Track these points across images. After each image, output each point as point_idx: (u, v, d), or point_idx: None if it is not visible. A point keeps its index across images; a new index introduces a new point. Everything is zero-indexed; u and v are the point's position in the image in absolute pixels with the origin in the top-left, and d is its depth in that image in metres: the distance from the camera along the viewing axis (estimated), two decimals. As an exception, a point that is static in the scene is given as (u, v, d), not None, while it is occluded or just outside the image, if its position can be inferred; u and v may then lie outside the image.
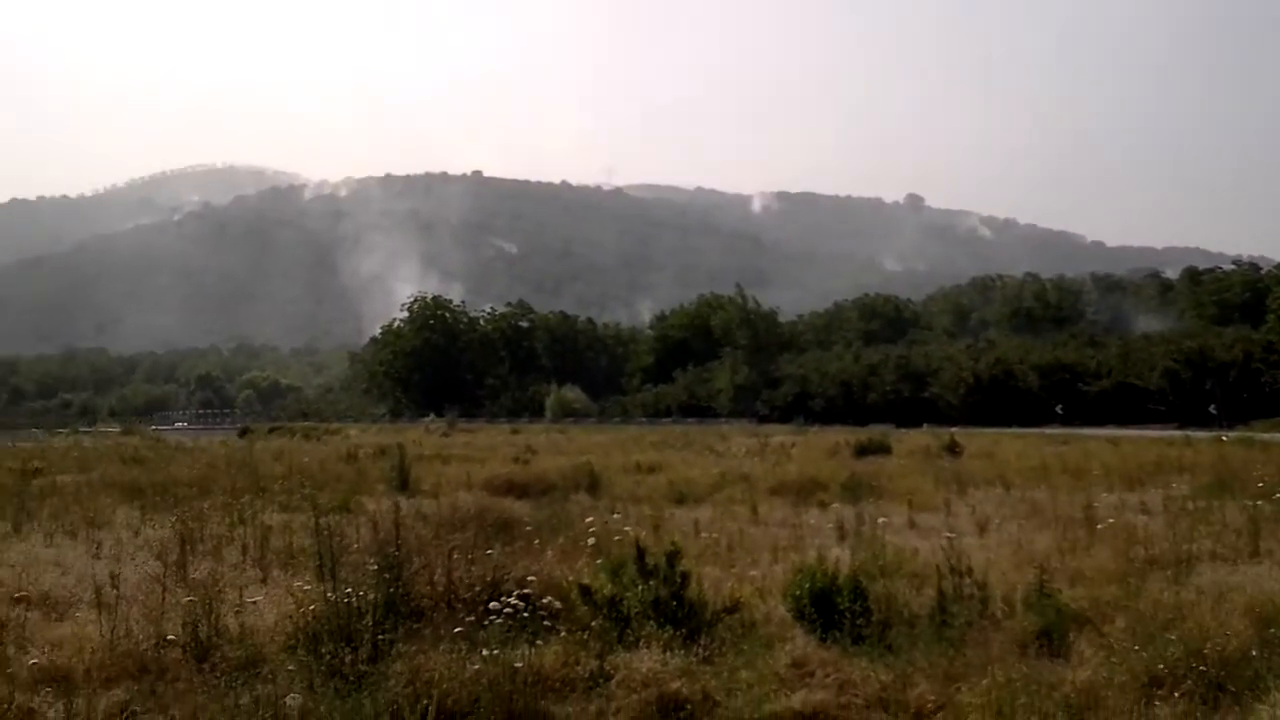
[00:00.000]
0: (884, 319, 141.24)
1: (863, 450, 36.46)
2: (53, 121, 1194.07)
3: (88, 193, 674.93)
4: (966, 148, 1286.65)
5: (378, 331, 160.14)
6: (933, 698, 7.43)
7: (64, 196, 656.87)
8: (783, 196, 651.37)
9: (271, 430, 72.91)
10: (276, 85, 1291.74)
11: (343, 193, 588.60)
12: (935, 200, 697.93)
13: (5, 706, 7.11)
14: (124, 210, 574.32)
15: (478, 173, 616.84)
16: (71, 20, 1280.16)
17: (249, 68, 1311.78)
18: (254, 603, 9.74)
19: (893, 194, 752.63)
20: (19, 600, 10.66)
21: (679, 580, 9.22)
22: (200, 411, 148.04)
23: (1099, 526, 14.51)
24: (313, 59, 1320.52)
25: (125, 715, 7.10)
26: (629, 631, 8.78)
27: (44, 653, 8.54)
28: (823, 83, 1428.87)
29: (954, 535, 11.36)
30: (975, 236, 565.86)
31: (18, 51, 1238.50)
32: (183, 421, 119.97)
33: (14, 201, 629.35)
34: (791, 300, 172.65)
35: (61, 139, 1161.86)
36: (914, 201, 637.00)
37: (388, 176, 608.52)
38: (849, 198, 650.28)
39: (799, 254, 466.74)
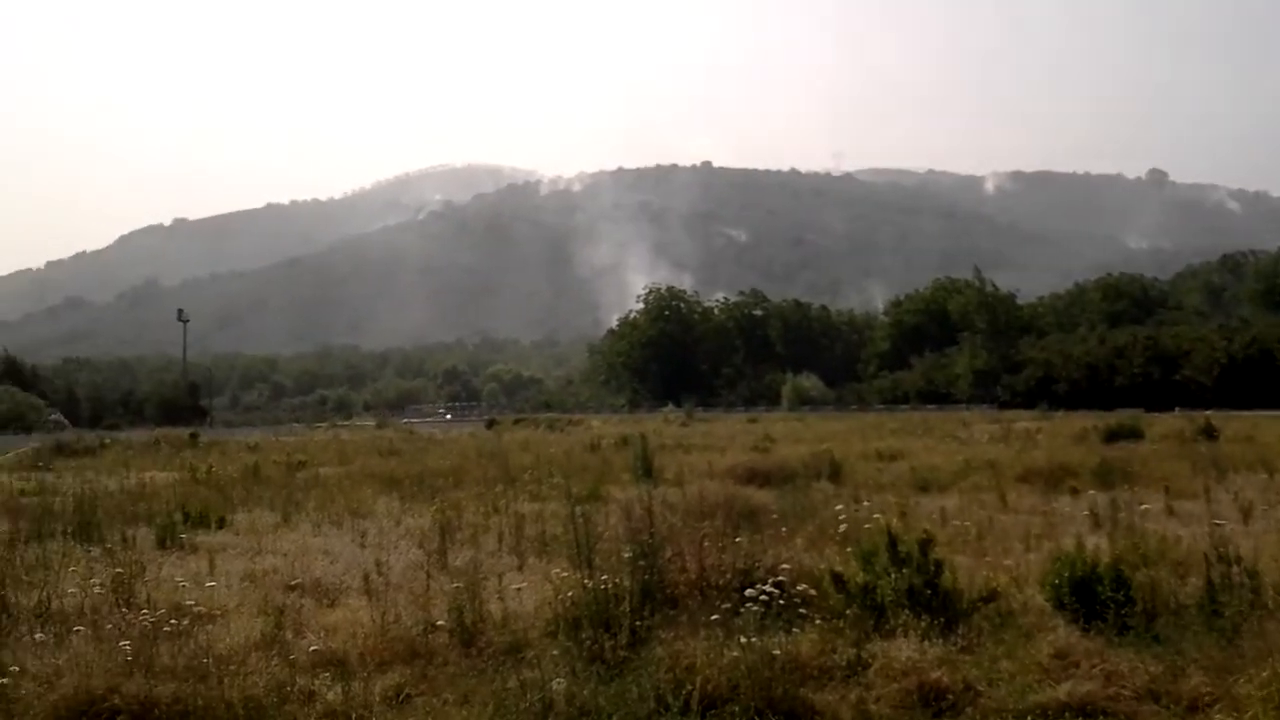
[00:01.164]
0: (1129, 299, 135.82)
1: (1112, 435, 35.23)
2: (305, 129, 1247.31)
3: (337, 196, 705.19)
4: (1212, 118, 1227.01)
5: (614, 323, 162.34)
6: (1207, 690, 7.17)
7: (315, 200, 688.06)
8: (1017, 176, 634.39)
9: (516, 422, 74.59)
10: (512, 85, 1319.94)
11: (576, 187, 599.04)
12: (1179, 175, 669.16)
13: (287, 689, 7.46)
14: (372, 211, 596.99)
15: (707, 163, 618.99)
16: (321, 34, 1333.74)
17: (485, 70, 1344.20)
18: (518, 589, 10.01)
19: (1134, 170, 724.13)
20: (293, 588, 11.22)
21: (933, 568, 9.12)
22: (448, 404, 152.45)
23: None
24: (545, 58, 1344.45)
25: (400, 698, 7.38)
26: (884, 620, 8.74)
27: (319, 637, 8.91)
28: (1056, 59, 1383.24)
29: (1221, 523, 10.92)
30: (1223, 211, 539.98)
31: (277, 69, 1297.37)
32: (446, 413, 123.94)
33: (270, 207, 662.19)
34: (1029, 282, 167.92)
35: (313, 146, 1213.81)
36: (1156, 177, 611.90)
37: (619, 170, 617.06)
38: (1086, 175, 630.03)
39: (1035, 234, 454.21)
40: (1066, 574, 9.31)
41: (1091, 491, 17.82)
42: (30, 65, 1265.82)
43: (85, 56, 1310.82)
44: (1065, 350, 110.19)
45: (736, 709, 6.93)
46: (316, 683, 7.68)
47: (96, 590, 10.27)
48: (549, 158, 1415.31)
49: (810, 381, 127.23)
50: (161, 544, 14.57)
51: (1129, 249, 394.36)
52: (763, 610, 8.29)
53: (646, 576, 9.22)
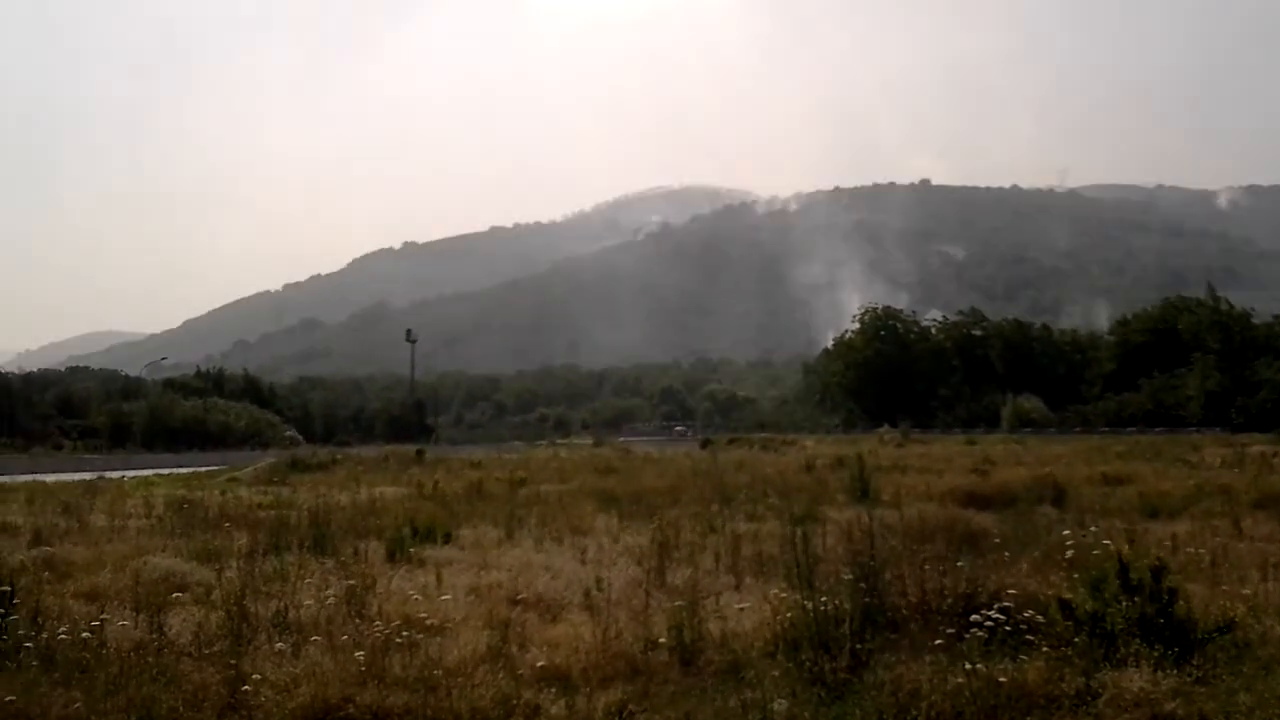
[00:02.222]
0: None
1: (1356, 461, 33.47)
2: (527, 155, 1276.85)
3: (558, 218, 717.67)
4: None
5: (829, 343, 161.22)
6: None
7: (537, 223, 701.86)
8: (1253, 190, 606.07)
9: (731, 441, 74.64)
10: (729, 107, 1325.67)
11: (792, 207, 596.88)
12: None
13: (512, 702, 7.63)
14: (591, 233, 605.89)
15: (925, 181, 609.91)
16: (543, 61, 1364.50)
17: (702, 92, 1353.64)
18: (741, 609, 10.04)
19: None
20: (516, 602, 11.47)
21: (1166, 596, 8.82)
22: (663, 423, 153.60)
23: None
24: (762, 80, 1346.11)
25: (622, 715, 7.47)
26: (1114, 649, 8.47)
27: (543, 652, 9.08)
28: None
29: None
30: None
31: (501, 98, 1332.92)
32: (682, 426, 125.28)
33: (493, 230, 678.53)
34: (1267, 300, 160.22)
35: (535, 171, 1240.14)
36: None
37: (836, 189, 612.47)
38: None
39: (1272, 251, 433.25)
40: (1310, 605, 8.91)
41: (1337, 519, 16.98)
42: (263, 96, 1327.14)
43: (323, 95, 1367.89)
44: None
45: (962, 736, 6.82)
46: (541, 697, 7.81)
47: (331, 601, 10.66)
48: (765, 178, 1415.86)
49: (1031, 403, 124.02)
50: (391, 557, 15.03)
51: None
52: (987, 637, 8.15)
53: (867, 599, 9.15)
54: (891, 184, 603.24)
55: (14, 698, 7.18)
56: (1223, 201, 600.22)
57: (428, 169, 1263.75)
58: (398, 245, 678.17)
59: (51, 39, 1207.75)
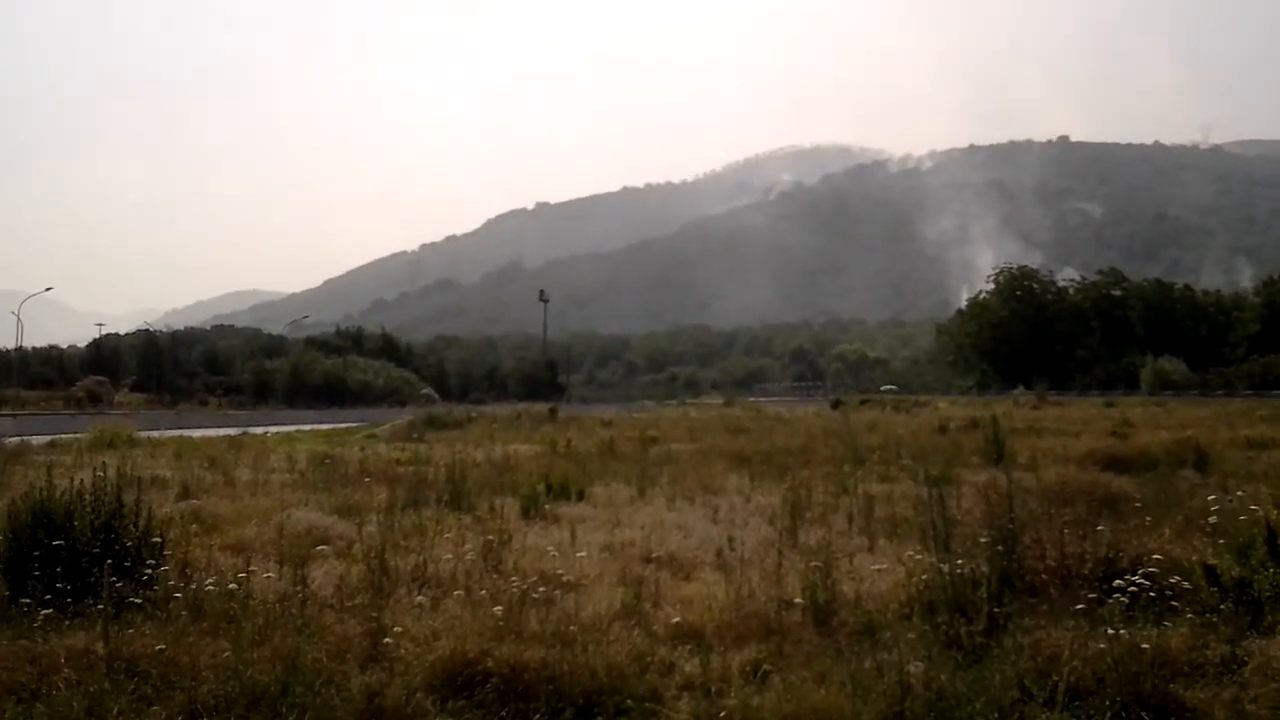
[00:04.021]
0: None
1: None
2: (661, 115, 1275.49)
3: (689, 179, 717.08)
4: None
5: (963, 303, 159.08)
6: None
7: (669, 183, 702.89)
8: None
9: (862, 402, 74.14)
10: (862, 64, 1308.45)
11: (926, 165, 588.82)
12: None
13: (647, 659, 7.67)
14: (722, 193, 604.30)
15: (1064, 138, 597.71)
16: (675, 22, 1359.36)
17: (835, 50, 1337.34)
18: (878, 570, 9.98)
19: None
20: (650, 560, 11.53)
21: (1316, 564, 8.58)
22: (794, 384, 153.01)
23: None
24: (895, 36, 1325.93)
25: (757, 674, 7.47)
26: (1261, 617, 8.26)
27: (676, 610, 9.08)
28: None
29: None
30: None
31: (636, 61, 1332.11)
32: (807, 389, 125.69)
33: (625, 190, 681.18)
34: None
35: (667, 131, 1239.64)
36: None
37: (971, 147, 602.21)
38: None
39: None
40: None
41: None
42: (405, 67, 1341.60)
43: (455, 53, 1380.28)
44: None
45: (1104, 702, 6.70)
46: (675, 654, 7.83)
47: (468, 557, 10.81)
48: (898, 137, 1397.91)
49: (1172, 365, 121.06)
50: (525, 514, 15.19)
51: None
52: (1129, 602, 8.00)
53: (1005, 562, 9.02)
54: (1029, 141, 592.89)
55: (164, 646, 7.41)
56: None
57: (561, 129, 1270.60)
58: (531, 205, 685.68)
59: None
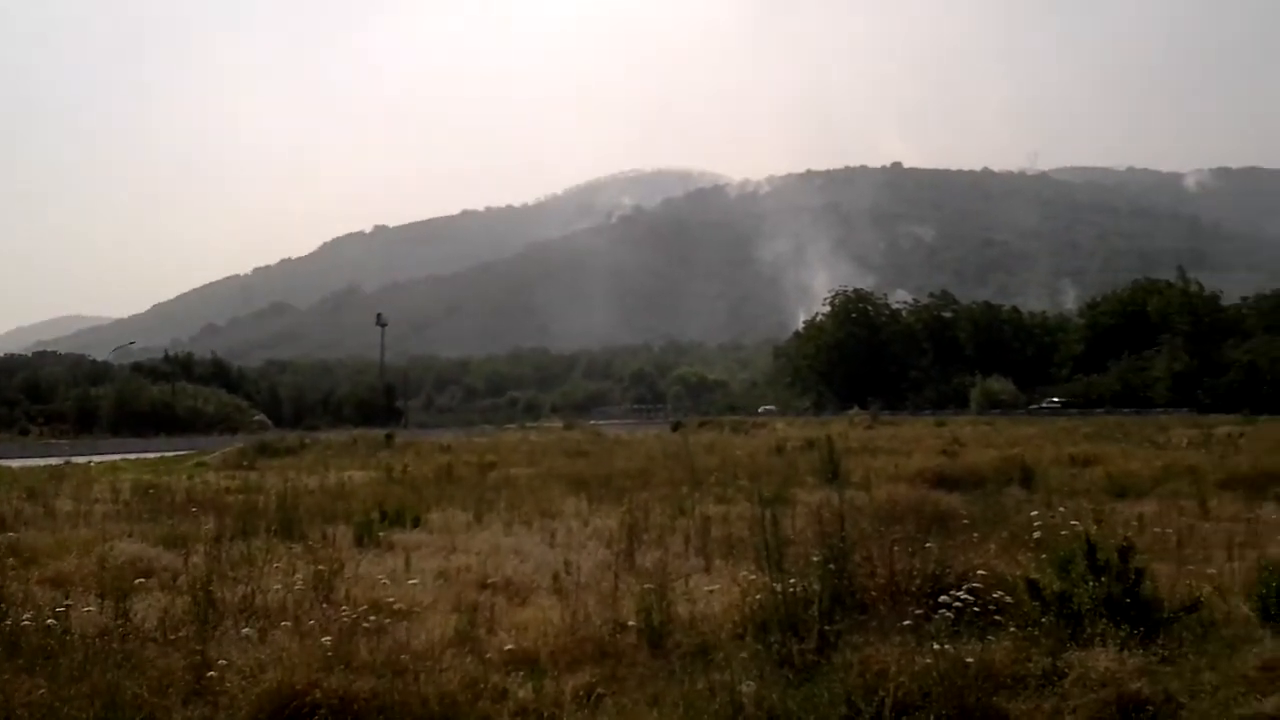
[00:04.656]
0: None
1: (1322, 441, 33.75)
2: (499, 139, 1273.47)
3: (530, 202, 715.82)
4: None
5: (800, 325, 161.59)
6: None
7: (509, 206, 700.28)
8: (1222, 173, 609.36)
9: (701, 424, 74.77)
10: (702, 90, 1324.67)
11: (764, 190, 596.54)
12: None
13: (480, 685, 7.60)
14: (563, 217, 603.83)
15: (897, 164, 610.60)
16: (514, 45, 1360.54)
17: (676, 76, 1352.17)
18: (710, 591, 10.04)
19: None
20: (485, 586, 11.46)
21: (1133, 576, 8.87)
22: (635, 407, 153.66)
23: None
24: (735, 63, 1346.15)
25: (590, 698, 7.45)
26: (1081, 629, 8.51)
27: (511, 636, 9.05)
28: (1265, 49, 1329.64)
29: None
30: None
31: (473, 81, 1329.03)
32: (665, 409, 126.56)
33: (465, 213, 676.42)
34: (1234, 283, 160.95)
35: (507, 154, 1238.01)
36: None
37: (808, 172, 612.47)
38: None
39: (1242, 234, 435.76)
40: (1275, 584, 8.98)
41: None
42: (236, 83, 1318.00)
43: (289, 74, 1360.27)
44: (1272, 353, 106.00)
45: (929, 716, 6.84)
46: (509, 680, 7.81)
47: (298, 586, 10.61)
48: (737, 162, 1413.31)
49: (1000, 384, 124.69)
50: (359, 541, 15.00)
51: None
52: (955, 617, 8.17)
53: (836, 580, 9.15)
54: (863, 167, 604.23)
55: (-24, 685, 7.12)
56: (1191, 184, 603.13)
57: (398, 152, 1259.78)
58: (368, 229, 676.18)
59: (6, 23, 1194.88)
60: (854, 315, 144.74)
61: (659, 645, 8.66)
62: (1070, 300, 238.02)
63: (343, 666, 7.59)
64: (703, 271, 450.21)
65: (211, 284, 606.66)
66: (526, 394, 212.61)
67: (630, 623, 9.00)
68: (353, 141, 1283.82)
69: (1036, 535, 10.91)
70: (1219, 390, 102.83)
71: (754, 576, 9.80)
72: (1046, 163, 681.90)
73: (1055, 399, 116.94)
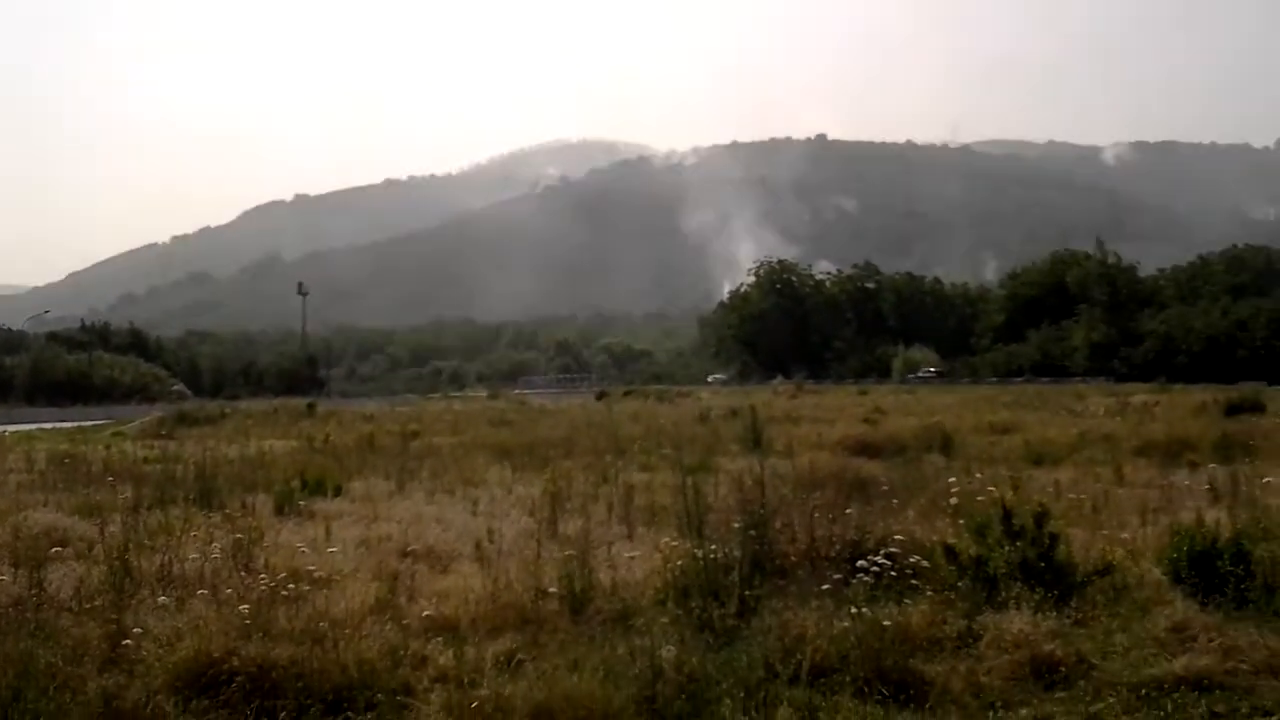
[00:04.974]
0: (1254, 272, 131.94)
1: (1233, 408, 34.40)
2: (423, 107, 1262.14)
3: (454, 171, 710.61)
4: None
5: (725, 296, 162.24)
6: (1329, 666, 7.01)
7: (432, 176, 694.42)
8: (1139, 147, 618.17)
9: (626, 393, 74.79)
10: (628, 60, 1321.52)
11: (690, 161, 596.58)
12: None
13: (400, 653, 7.57)
14: (487, 186, 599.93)
15: (821, 136, 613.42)
16: (441, 11, 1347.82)
17: (602, 45, 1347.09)
18: (630, 558, 10.05)
19: (1261, 139, 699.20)
20: (407, 554, 11.40)
21: (1047, 541, 9.01)
22: (560, 377, 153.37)
23: None
24: (661, 34, 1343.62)
25: (511, 663, 7.44)
26: (996, 593, 8.64)
27: (432, 603, 9.00)
28: (1182, 27, 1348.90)
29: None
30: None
31: (396, 46, 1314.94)
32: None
33: (388, 182, 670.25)
34: (1150, 255, 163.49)
35: (431, 123, 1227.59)
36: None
37: (733, 144, 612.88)
38: (1213, 145, 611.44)
39: (1158, 206, 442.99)
40: (1185, 547, 9.15)
41: (1211, 465, 17.43)
42: (154, 47, 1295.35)
43: (211, 40, 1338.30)
44: (1186, 323, 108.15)
45: (846, 679, 6.91)
46: (429, 647, 7.78)
47: (216, 555, 10.49)
48: (663, 133, 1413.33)
49: (922, 354, 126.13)
50: (279, 511, 14.86)
51: (1254, 220, 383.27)
52: (873, 582, 8.26)
53: (756, 546, 9.21)
54: (788, 138, 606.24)
55: (-116, 657, 6.98)
56: (1110, 157, 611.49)
57: (319, 120, 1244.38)
58: (289, 197, 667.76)
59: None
60: (778, 286, 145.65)
61: (580, 612, 8.67)
62: (991, 271, 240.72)
63: (261, 635, 7.52)
64: (628, 242, 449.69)
65: (129, 253, 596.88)
66: (451, 364, 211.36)
67: (552, 589, 9.00)
68: (273, 109, 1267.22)
69: (954, 501, 11.05)
70: (1135, 359, 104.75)
71: (676, 543, 9.83)
72: (968, 135, 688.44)
73: (931, 369, 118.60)
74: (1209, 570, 8.84)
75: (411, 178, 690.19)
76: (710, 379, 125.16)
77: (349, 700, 6.77)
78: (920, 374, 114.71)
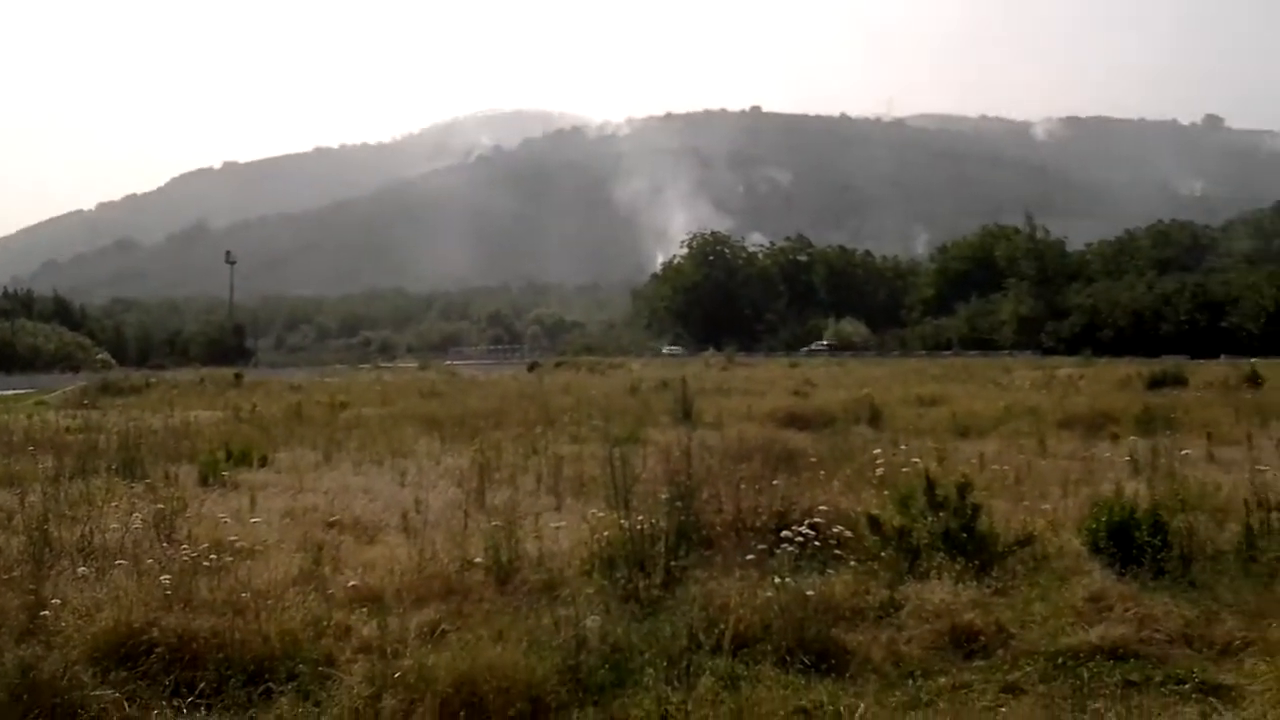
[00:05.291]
0: (1179, 247, 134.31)
1: (1156, 382, 35.04)
2: (355, 73, 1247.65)
3: (386, 140, 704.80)
4: (1269, 61, 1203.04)
5: (658, 268, 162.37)
6: (1240, 634, 7.17)
7: (364, 144, 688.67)
8: (1070, 122, 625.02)
9: (558, 365, 74.74)
10: (562, 30, 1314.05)
11: (624, 132, 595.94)
12: (1236, 120, 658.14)
13: (324, 623, 7.53)
14: (420, 156, 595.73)
15: (756, 108, 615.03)
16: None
17: (536, 15, 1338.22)
18: (556, 529, 10.05)
19: (1189, 115, 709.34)
20: (332, 525, 11.32)
21: (969, 512, 9.12)
22: (491, 348, 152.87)
23: None
24: (596, 3, 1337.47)
25: (435, 634, 7.43)
26: (919, 563, 8.74)
27: (357, 574, 8.96)
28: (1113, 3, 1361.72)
29: (1262, 469, 10.83)
30: (1278, 158, 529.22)
31: (328, 11, 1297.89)
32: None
33: (318, 150, 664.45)
34: (1079, 229, 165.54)
35: (362, 90, 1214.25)
36: (1212, 122, 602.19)
37: (668, 115, 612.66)
38: (1141, 121, 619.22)
39: (1087, 181, 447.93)
40: (1104, 519, 9.30)
41: (1132, 438, 17.71)
42: (80, 10, 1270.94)
43: (139, 2, 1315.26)
44: (1112, 297, 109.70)
45: (768, 648, 6.97)
46: (353, 618, 7.75)
47: (138, 526, 10.36)
48: (597, 103, 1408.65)
49: (853, 327, 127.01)
50: (204, 481, 14.71)
51: (1181, 196, 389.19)
52: (798, 552, 8.31)
53: (683, 518, 9.24)
54: (722, 110, 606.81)
55: None
56: (1040, 133, 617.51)
57: (249, 86, 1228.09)
58: (218, 164, 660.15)
59: None
60: (711, 258, 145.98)
61: (506, 582, 8.67)
62: (922, 245, 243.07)
63: (182, 605, 7.46)
64: (562, 213, 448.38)
65: (53, 219, 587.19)
66: (381, 334, 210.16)
67: (478, 560, 8.98)
68: (201, 75, 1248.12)
69: (880, 473, 11.15)
70: (1062, 333, 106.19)
71: (603, 514, 9.84)
72: (902, 110, 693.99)
73: (824, 342, 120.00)
74: (1127, 541, 8.99)
75: (343, 146, 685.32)
76: (665, 350, 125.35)
77: (270, 671, 6.74)
78: (813, 347, 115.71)
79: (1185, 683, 6.62)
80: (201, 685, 6.56)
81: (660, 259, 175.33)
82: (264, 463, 17.15)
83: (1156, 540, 8.88)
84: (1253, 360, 47.85)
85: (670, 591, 8.05)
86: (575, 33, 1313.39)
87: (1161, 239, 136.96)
